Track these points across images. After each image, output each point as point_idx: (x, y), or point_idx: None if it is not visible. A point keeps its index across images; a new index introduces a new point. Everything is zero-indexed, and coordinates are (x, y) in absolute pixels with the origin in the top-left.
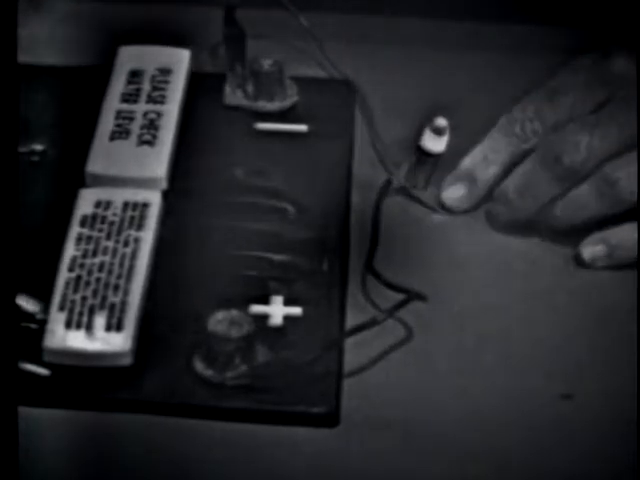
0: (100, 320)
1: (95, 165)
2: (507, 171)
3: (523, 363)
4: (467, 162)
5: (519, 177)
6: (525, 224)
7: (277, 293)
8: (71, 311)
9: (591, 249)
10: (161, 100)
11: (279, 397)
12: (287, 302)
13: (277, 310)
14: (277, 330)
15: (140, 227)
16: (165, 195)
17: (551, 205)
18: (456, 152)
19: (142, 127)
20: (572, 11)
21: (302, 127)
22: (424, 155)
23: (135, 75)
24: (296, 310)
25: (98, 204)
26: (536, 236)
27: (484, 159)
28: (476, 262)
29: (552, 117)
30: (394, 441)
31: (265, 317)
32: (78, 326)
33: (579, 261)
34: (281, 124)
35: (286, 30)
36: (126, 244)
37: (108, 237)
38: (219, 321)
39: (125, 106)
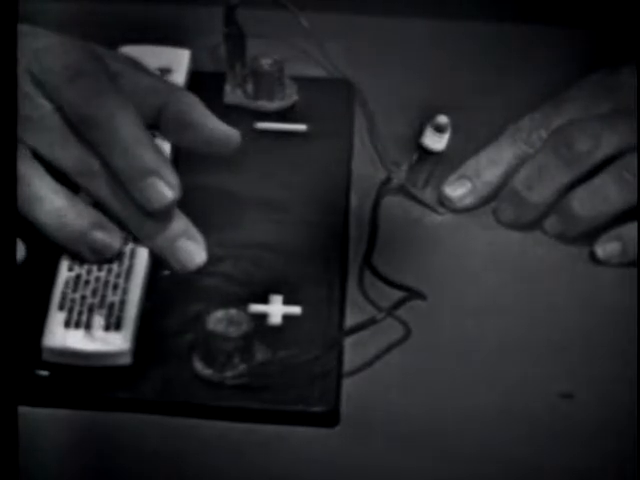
0: (99, 319)
1: None
2: (511, 173)
3: (523, 362)
4: (472, 162)
5: (529, 167)
6: (532, 222)
7: (276, 292)
8: (70, 310)
9: (606, 247)
10: None
11: (278, 396)
12: (286, 301)
13: (276, 309)
14: (276, 329)
15: None
16: None
17: (567, 204)
18: (456, 153)
19: None
20: (573, 11)
21: (302, 127)
22: (425, 153)
23: None
24: (295, 309)
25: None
26: (548, 235)
27: (489, 160)
28: (475, 261)
29: (557, 124)
30: (394, 440)
31: (264, 316)
32: (77, 325)
33: (594, 259)
34: (281, 123)
35: (286, 30)
36: (125, 243)
37: None
38: (218, 320)
39: None
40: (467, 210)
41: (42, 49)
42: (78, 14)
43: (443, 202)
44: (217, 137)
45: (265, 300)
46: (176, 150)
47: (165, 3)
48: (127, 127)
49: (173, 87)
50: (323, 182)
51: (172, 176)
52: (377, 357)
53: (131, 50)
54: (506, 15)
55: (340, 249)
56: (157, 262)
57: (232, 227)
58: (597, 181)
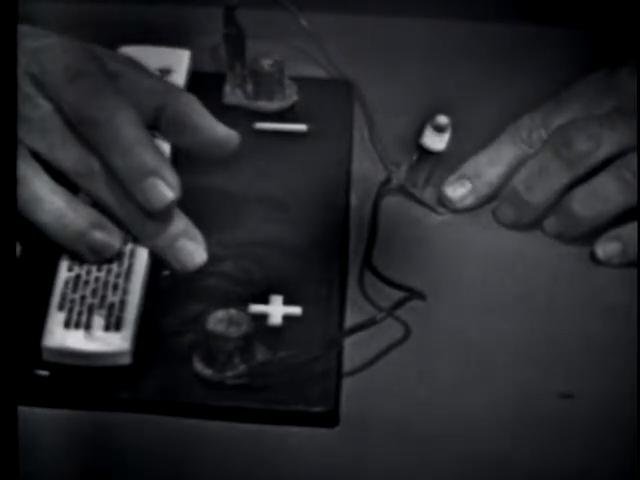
0: (99, 320)
1: None
2: (511, 173)
3: (523, 362)
4: (472, 162)
5: (529, 168)
6: (532, 222)
7: (277, 292)
8: (70, 310)
9: (606, 247)
10: None
11: (278, 396)
12: (286, 301)
13: (276, 309)
14: (276, 329)
15: None
16: None
17: (567, 204)
18: (456, 153)
19: None
20: (573, 11)
21: (301, 127)
22: (425, 153)
23: None
24: (295, 309)
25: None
26: (547, 235)
27: (489, 160)
28: (475, 261)
29: (558, 124)
30: (393, 440)
31: (264, 316)
32: (77, 325)
33: (594, 259)
34: (280, 124)
35: (286, 30)
36: (125, 242)
37: None
38: (218, 320)
39: None
40: (467, 210)
41: (42, 50)
42: (78, 14)
43: (443, 202)
44: (216, 139)
45: (265, 300)
46: (176, 150)
47: (165, 3)
48: (127, 127)
49: (172, 88)
50: (323, 182)
51: (172, 176)
52: (377, 357)
53: (131, 50)
54: (506, 15)
55: (340, 249)
56: (157, 262)
57: (232, 227)
58: (597, 181)
